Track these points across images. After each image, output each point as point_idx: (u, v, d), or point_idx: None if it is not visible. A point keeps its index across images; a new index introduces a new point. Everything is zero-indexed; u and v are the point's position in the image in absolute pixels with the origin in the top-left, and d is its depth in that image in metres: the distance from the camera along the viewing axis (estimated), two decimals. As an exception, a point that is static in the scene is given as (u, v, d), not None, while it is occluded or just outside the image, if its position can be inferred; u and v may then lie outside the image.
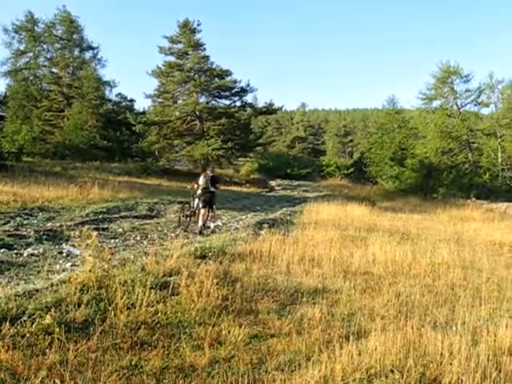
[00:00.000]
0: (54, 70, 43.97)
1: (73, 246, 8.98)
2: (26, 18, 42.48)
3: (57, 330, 4.47)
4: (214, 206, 13.41)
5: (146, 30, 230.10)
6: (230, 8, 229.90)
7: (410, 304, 6.25)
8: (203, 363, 4.24)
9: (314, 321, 5.42)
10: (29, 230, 10.28)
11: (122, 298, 5.34)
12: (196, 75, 36.18)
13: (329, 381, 3.98)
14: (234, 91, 37.52)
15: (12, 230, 10.28)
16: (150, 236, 11.14)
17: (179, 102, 38.10)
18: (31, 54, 43.35)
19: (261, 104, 41.78)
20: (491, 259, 10.46)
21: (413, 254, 9.46)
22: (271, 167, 49.11)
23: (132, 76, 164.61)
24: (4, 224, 10.92)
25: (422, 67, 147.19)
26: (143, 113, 42.57)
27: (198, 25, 36.91)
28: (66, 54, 43.23)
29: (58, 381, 3.69)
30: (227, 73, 36.77)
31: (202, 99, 37.16)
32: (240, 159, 45.75)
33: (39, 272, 6.99)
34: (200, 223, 12.58)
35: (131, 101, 47.60)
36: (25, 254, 8.24)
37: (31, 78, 43.16)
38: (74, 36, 43.49)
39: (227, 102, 38.52)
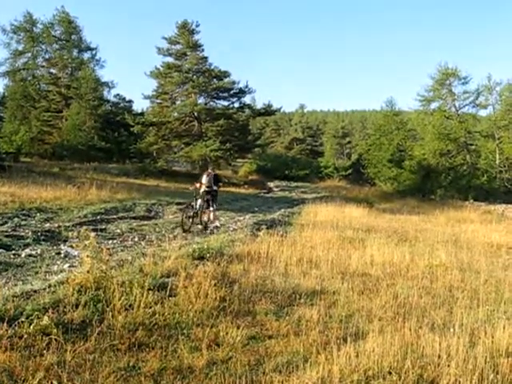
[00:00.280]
0: (52, 70, 43.88)
1: (71, 246, 8.96)
2: (25, 18, 42.40)
3: (54, 331, 4.47)
4: (216, 206, 13.51)
5: (144, 30, 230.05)
6: (227, 10, 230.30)
7: (407, 306, 6.25)
8: (201, 364, 4.24)
9: (311, 322, 5.42)
10: (27, 231, 10.26)
11: (119, 299, 5.34)
12: (194, 76, 36.19)
13: (326, 382, 3.98)
14: (232, 92, 37.55)
15: (10, 230, 10.25)
16: (147, 237, 11.12)
17: (177, 102, 38.12)
18: (29, 55, 43.24)
19: (259, 105, 41.82)
20: (489, 261, 10.47)
21: (411, 255, 9.47)
22: (269, 168, 49.12)
23: (130, 77, 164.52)
24: (2, 225, 10.89)
25: (420, 69, 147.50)
26: (141, 114, 42.51)
27: (197, 26, 37.02)
28: (65, 54, 43.13)
29: (55, 382, 3.69)
30: (226, 74, 36.81)
31: (201, 100, 37.21)
32: (238, 160, 45.84)
33: (37, 273, 6.98)
34: (213, 224, 13.09)
35: (129, 102, 47.61)
36: (23, 255, 8.22)
37: (29, 78, 43.05)
38: (73, 37, 43.43)
39: (225, 103, 38.59)
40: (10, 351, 4.12)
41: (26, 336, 4.40)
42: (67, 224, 11.52)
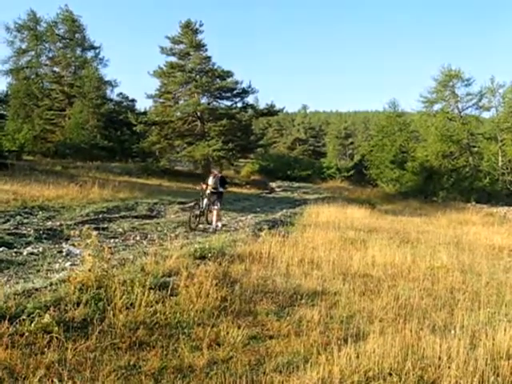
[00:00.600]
0: (55, 69, 43.95)
1: (72, 245, 8.99)
2: (29, 16, 42.45)
3: (55, 329, 4.48)
4: (220, 205, 13.59)
5: (148, 30, 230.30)
6: (231, 8, 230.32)
7: (408, 307, 6.25)
8: (202, 364, 4.24)
9: (312, 323, 5.42)
10: (29, 229, 10.29)
11: (121, 298, 5.35)
12: (197, 76, 36.18)
13: (327, 383, 3.98)
14: (235, 92, 37.51)
15: (12, 228, 10.28)
16: (149, 236, 11.13)
17: (180, 102, 38.09)
18: (33, 53, 43.29)
19: (262, 105, 41.77)
20: (490, 263, 10.46)
21: (412, 257, 9.46)
22: (272, 169, 49.10)
23: (134, 76, 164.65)
24: (4, 222, 10.93)
25: (423, 70, 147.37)
26: (144, 113, 42.54)
27: (200, 25, 36.93)
28: (68, 53, 43.20)
29: (56, 380, 3.70)
30: (229, 74, 36.77)
31: (204, 100, 37.17)
32: (241, 160, 45.74)
33: (38, 271, 7.00)
34: (214, 223, 13.16)
35: (132, 101, 47.59)
36: (24, 253, 8.24)
37: (33, 76, 43.10)
38: (76, 35, 43.49)
39: (228, 103, 38.55)
40: (11, 349, 4.13)
41: (27, 334, 4.41)
42: (69, 222, 11.54)
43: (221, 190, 13.63)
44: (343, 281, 7.47)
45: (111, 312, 5.11)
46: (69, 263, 7.70)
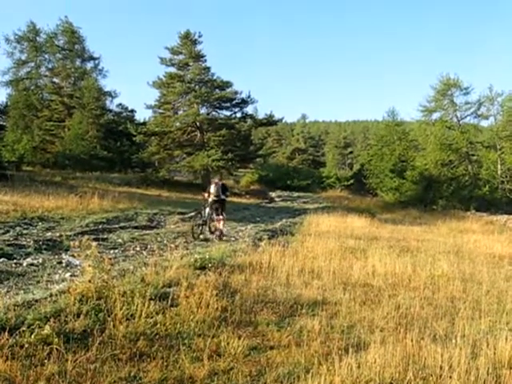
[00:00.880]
0: (55, 80, 44.21)
1: (72, 256, 8.97)
2: (28, 28, 42.82)
3: (56, 340, 4.46)
4: (225, 215, 13.68)
5: (147, 41, 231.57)
6: (230, 18, 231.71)
7: (409, 316, 6.23)
8: (202, 375, 4.22)
9: (313, 333, 5.40)
10: (28, 240, 10.28)
11: (121, 309, 5.33)
12: (197, 86, 36.35)
13: (328, 393, 3.97)
14: (234, 102, 37.68)
15: (11, 239, 10.27)
16: (149, 246, 11.12)
17: (180, 112, 38.23)
18: (33, 64, 43.60)
19: (261, 115, 41.98)
20: (491, 272, 10.43)
21: (412, 266, 9.44)
22: (271, 178, 49.17)
23: (133, 86, 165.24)
24: (4, 233, 10.92)
25: (422, 80, 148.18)
26: (144, 123, 42.72)
27: (199, 36, 37.18)
28: (68, 64, 43.50)
29: (56, 392, 3.68)
30: (228, 84, 36.95)
31: (203, 110, 37.32)
32: (240, 170, 45.84)
33: (38, 282, 6.98)
34: (222, 231, 13.31)
35: (132, 111, 47.83)
36: (24, 264, 8.22)
37: (32, 87, 43.37)
38: (76, 46, 43.82)
39: (228, 113, 38.72)
40: (11, 360, 4.11)
41: (27, 345, 4.39)
42: (69, 233, 11.53)
43: (223, 197, 13.71)
44: (344, 290, 7.46)
45: (111, 323, 5.09)
46: (69, 274, 7.68)
